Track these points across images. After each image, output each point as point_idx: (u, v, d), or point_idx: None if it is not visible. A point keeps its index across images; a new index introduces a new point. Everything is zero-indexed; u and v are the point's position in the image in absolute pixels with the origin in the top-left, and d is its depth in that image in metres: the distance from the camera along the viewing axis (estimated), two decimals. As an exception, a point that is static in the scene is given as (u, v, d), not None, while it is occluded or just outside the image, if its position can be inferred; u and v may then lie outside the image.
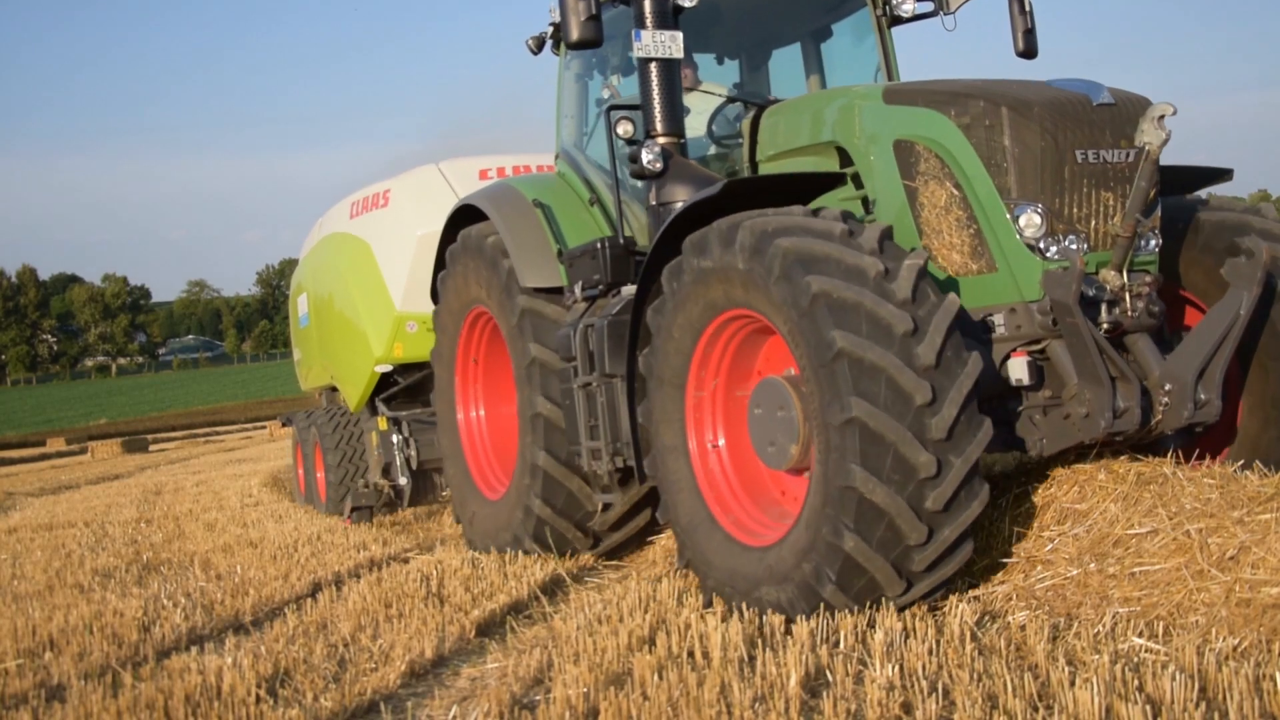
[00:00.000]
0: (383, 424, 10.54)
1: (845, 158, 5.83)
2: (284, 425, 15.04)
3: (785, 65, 7.76)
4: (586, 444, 6.54)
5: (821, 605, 4.68)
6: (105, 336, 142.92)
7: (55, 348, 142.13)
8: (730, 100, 7.17)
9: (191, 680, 4.63)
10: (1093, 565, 4.89)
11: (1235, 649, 4.00)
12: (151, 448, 38.44)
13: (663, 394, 5.65)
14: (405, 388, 10.82)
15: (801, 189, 5.71)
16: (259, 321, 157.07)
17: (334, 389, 12.51)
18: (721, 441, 5.61)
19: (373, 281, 10.37)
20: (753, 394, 5.41)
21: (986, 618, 4.82)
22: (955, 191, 5.31)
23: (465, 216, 7.86)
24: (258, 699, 4.36)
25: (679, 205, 5.96)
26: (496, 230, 7.33)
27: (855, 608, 4.66)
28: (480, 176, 9.90)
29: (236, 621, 6.03)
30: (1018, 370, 5.17)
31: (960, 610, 4.85)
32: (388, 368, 10.46)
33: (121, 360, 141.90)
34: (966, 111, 5.30)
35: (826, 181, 5.78)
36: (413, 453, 10.46)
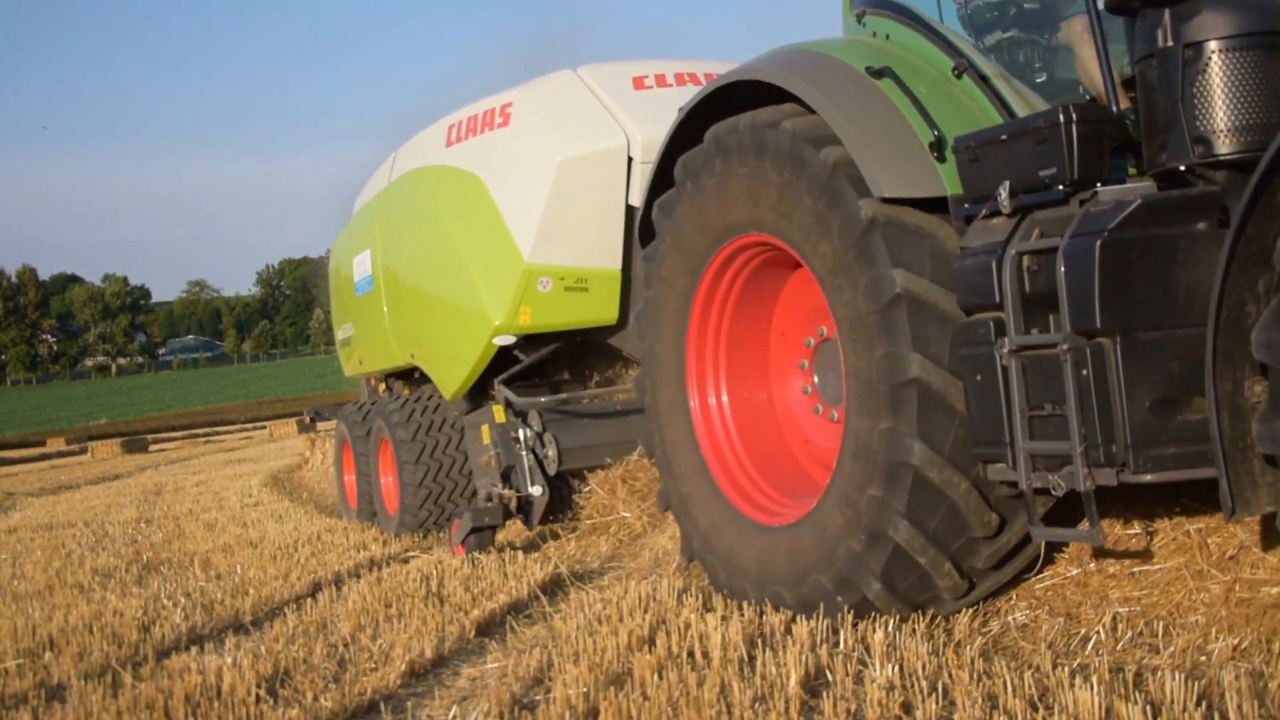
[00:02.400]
0: (500, 415, 7.94)
1: None
2: (314, 421, 12.47)
3: None
4: (1027, 445, 4.09)
5: None
6: (105, 336, 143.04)
7: (55, 348, 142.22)
8: None
9: (191, 680, 4.63)
10: (1092, 565, 4.89)
11: (1235, 649, 4.00)
12: (151, 448, 38.45)
13: None
14: (529, 366, 8.19)
15: None
16: (259, 321, 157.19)
17: (407, 374, 10.03)
18: None
19: (488, 226, 7.75)
20: None
21: (986, 617, 4.82)
22: None
23: (697, 117, 5.50)
24: (258, 699, 4.36)
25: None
26: (794, 114, 4.89)
27: None
28: (634, 86, 7.67)
29: (236, 621, 6.03)
30: None
31: (960, 610, 4.86)
32: (509, 340, 7.77)
33: (121, 360, 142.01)
34: None
35: None
36: (551, 453, 7.79)
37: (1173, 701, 3.39)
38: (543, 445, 7.82)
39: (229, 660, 4.94)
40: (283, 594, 6.63)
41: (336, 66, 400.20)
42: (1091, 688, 3.45)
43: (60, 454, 40.28)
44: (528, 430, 7.81)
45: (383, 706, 4.28)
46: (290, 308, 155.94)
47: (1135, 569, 4.71)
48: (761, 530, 5.24)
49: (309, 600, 6.32)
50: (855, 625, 4.59)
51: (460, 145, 8.21)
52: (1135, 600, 4.57)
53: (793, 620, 4.67)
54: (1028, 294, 4.12)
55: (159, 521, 12.37)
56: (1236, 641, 4.06)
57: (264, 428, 43.29)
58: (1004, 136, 4.34)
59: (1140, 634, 4.34)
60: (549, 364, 8.49)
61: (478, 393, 8.51)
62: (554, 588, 6.22)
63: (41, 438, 49.76)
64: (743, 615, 4.84)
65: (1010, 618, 4.75)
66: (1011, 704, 3.49)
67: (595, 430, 8.07)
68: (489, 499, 7.77)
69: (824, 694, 3.75)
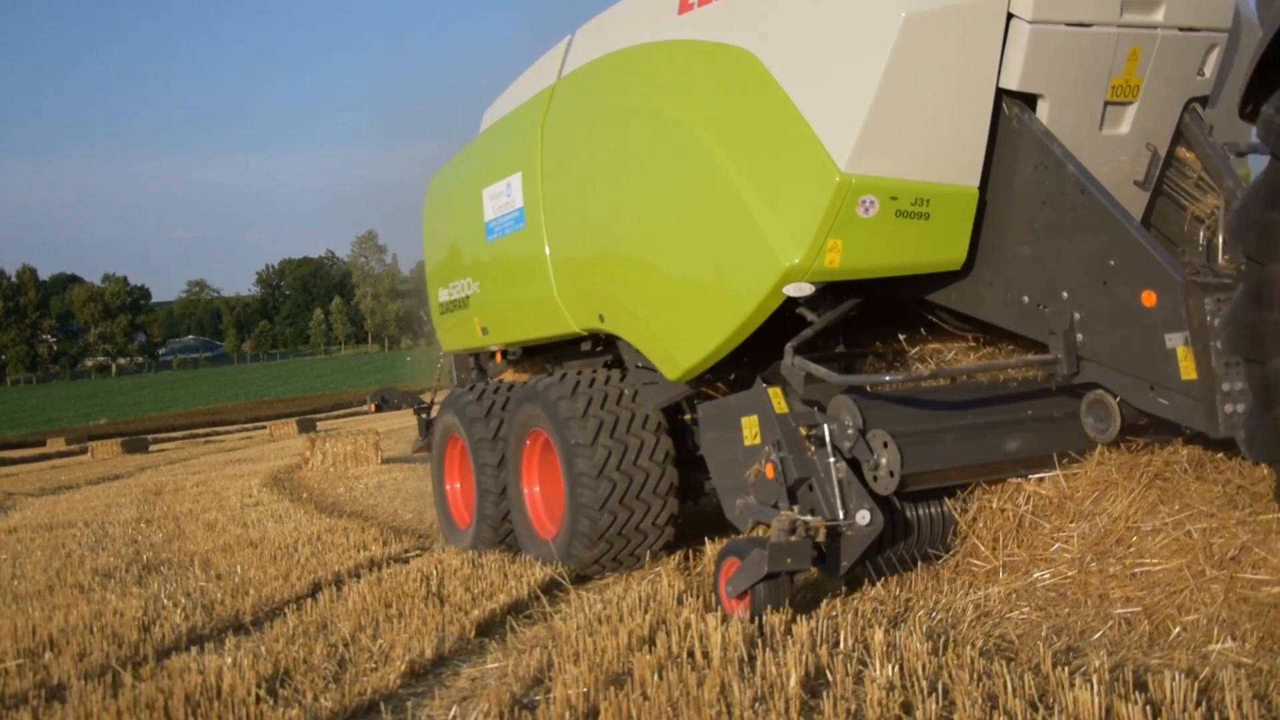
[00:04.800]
0: (780, 402, 5.43)
1: None
2: (379, 409, 10.08)
3: None
4: None
5: None
6: (105, 336, 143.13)
7: (55, 348, 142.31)
8: None
9: (191, 680, 4.63)
10: (1094, 565, 4.89)
11: (1235, 649, 4.00)
12: (151, 448, 38.44)
13: None
14: (823, 331, 5.54)
15: None
16: (259, 322, 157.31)
17: (558, 343, 7.61)
18: None
19: (769, 122, 5.15)
20: None
21: (987, 618, 4.82)
22: None
23: None
24: (258, 699, 4.36)
25: None
26: None
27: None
28: None
29: (236, 621, 6.03)
30: None
31: (960, 610, 4.85)
32: (806, 290, 5.14)
33: (121, 360, 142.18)
34: None
35: None
36: (885, 461, 5.02)
37: (1173, 701, 3.39)
38: (869, 450, 5.07)
39: (229, 660, 4.94)
40: (283, 594, 6.62)
41: (338, 67, 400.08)
42: (1091, 688, 3.45)
43: (60, 454, 40.28)
44: (835, 426, 5.17)
45: (383, 706, 4.28)
46: (290, 308, 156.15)
47: (1136, 569, 4.71)
48: None
49: (309, 600, 6.32)
50: (855, 625, 4.59)
51: (710, 8, 5.62)
52: (1135, 600, 4.57)
53: (792, 620, 4.67)
54: None
55: (159, 521, 12.36)
56: (1236, 641, 4.06)
57: (264, 428, 43.35)
58: None
59: (1140, 634, 4.34)
60: (875, 320, 5.99)
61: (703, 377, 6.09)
62: (554, 588, 6.23)
63: (41, 438, 49.78)
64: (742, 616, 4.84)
65: (1010, 617, 4.74)
66: (1011, 704, 3.49)
67: (963, 430, 5.32)
68: (792, 530, 4.94)
69: (824, 694, 3.75)
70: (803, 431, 5.31)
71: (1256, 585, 4.34)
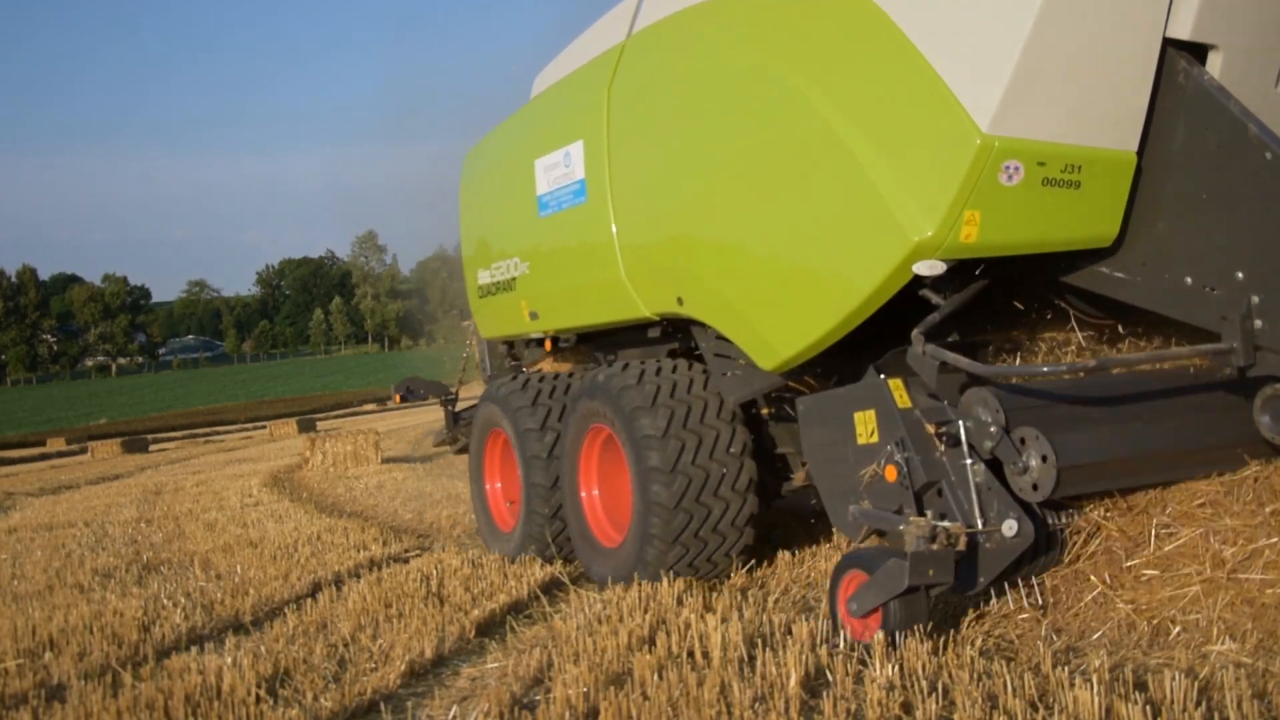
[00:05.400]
0: (901, 395, 4.76)
1: None
2: (404, 399, 9.65)
3: None
4: None
5: None
6: (105, 336, 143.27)
7: (55, 348, 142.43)
8: None
9: (191, 680, 4.63)
10: (1094, 566, 4.88)
11: (1235, 649, 4.00)
12: (151, 448, 38.43)
13: None
14: (950, 316, 4.90)
15: None
16: (259, 322, 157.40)
17: (617, 330, 6.92)
18: None
19: (895, 80, 4.47)
20: None
21: (986, 618, 4.82)
22: None
23: None
24: (258, 699, 4.36)
25: None
26: None
27: None
28: None
29: (236, 621, 6.03)
30: None
31: (961, 610, 4.85)
32: (938, 268, 4.46)
33: (121, 360, 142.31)
34: None
35: None
36: (1034, 464, 4.41)
37: (1173, 701, 3.39)
38: (1016, 451, 4.44)
39: (229, 660, 4.94)
40: (283, 594, 6.62)
41: (339, 67, 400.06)
42: (1091, 688, 3.45)
43: (60, 454, 40.27)
44: (972, 423, 4.53)
45: (383, 706, 4.28)
46: (290, 308, 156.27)
47: (1140, 572, 4.70)
48: None
49: (309, 600, 6.32)
50: (855, 625, 4.59)
51: None
52: (1136, 600, 4.57)
53: (792, 620, 4.67)
54: None
55: (159, 521, 12.36)
56: (1236, 641, 4.06)
57: (264, 427, 43.36)
58: None
59: (1140, 634, 4.34)
60: (1008, 304, 5.37)
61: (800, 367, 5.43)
62: (554, 588, 6.23)
63: (41, 438, 49.79)
64: (742, 616, 4.84)
65: (1010, 618, 4.74)
66: (1011, 704, 3.49)
67: (1120, 428, 4.71)
68: (933, 538, 4.28)
69: (824, 694, 3.75)
70: (930, 429, 4.65)
71: (1261, 586, 4.34)
